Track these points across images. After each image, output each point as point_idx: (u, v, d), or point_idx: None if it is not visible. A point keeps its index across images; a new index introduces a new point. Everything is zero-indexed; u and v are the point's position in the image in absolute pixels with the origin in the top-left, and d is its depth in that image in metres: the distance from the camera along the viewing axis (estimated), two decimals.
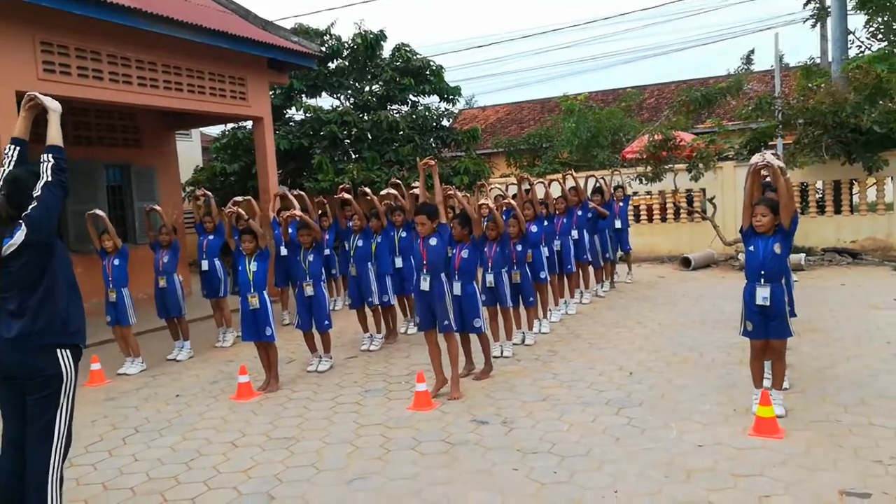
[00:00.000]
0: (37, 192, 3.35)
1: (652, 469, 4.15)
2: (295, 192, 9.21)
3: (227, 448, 4.92)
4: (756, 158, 4.80)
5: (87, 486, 4.38)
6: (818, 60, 18.65)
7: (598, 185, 10.64)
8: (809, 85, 13.99)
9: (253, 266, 6.26)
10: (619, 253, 11.29)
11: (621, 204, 11.06)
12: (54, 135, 3.46)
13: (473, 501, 3.86)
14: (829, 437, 4.49)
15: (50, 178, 3.38)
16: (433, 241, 5.72)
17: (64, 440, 3.39)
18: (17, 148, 3.49)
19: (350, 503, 3.93)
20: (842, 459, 4.14)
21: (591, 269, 10.05)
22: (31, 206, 3.31)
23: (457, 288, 5.97)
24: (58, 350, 3.35)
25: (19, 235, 3.26)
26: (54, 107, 3.50)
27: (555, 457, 4.42)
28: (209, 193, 8.76)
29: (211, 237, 8.43)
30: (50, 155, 3.42)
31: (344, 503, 3.93)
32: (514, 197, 8.25)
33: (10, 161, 3.46)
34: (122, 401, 6.31)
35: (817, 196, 14.41)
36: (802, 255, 12.39)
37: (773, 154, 4.84)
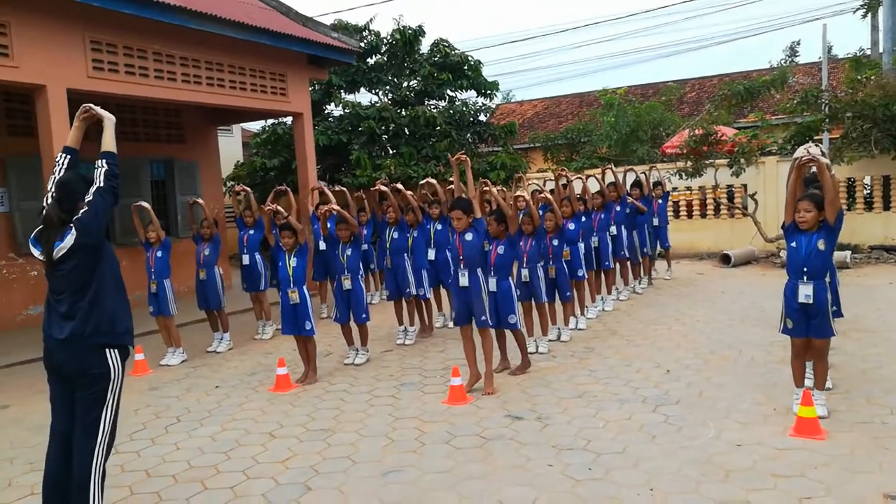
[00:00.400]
0: (89, 198, 3.45)
1: (689, 467, 4.11)
2: (336, 188, 9.31)
3: (266, 439, 5.01)
4: (800, 152, 4.69)
5: (132, 472, 4.51)
6: (868, 52, 18.10)
7: (636, 179, 10.51)
8: (859, 77, 13.56)
9: (293, 261, 6.35)
10: (659, 249, 11.15)
11: (660, 201, 10.91)
12: (109, 141, 3.58)
13: (508, 496, 3.86)
14: (873, 439, 4.38)
15: (102, 184, 3.49)
16: (469, 236, 5.73)
17: (108, 436, 3.49)
18: (68, 156, 3.62)
19: (385, 495, 3.97)
20: (887, 462, 4.04)
21: (629, 265, 9.94)
22: (82, 211, 3.42)
23: (492, 284, 5.97)
24: (106, 350, 3.46)
25: (70, 239, 3.36)
26: (109, 117, 3.63)
27: (590, 453, 4.41)
28: (248, 189, 8.91)
29: (251, 232, 8.58)
30: (104, 161, 3.54)
31: (379, 495, 3.98)
32: (551, 192, 8.21)
33: (61, 168, 3.58)
34: (164, 391, 6.48)
35: (865, 192, 13.99)
36: (848, 253, 12.05)
37: (817, 148, 4.73)
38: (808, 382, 5.04)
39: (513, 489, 3.95)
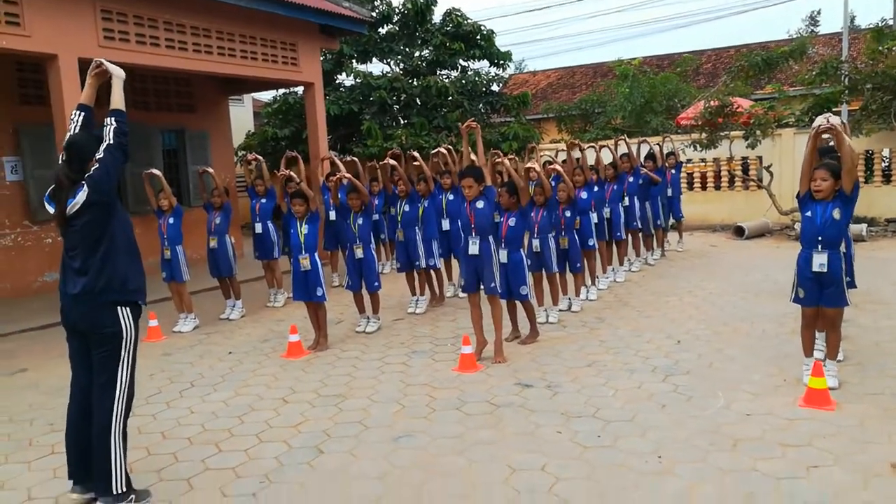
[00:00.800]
0: (99, 155, 3.50)
1: (697, 437, 4.13)
2: (348, 158, 9.30)
3: (278, 404, 5.08)
4: (819, 121, 4.62)
5: (148, 434, 4.60)
6: (890, 22, 17.70)
7: (650, 150, 10.42)
8: (880, 48, 13.27)
9: (304, 229, 6.37)
10: (671, 221, 11.09)
11: (673, 171, 10.81)
12: (117, 99, 3.61)
13: (517, 462, 3.91)
14: (884, 410, 4.38)
15: (112, 141, 3.53)
16: (480, 204, 5.72)
17: (126, 392, 3.57)
18: (82, 114, 3.65)
19: (396, 460, 4.03)
20: None
21: (641, 236, 9.90)
22: (93, 168, 3.47)
23: (503, 255, 5.97)
24: (118, 307, 3.52)
25: (81, 195, 3.42)
26: (118, 73, 3.65)
27: (599, 421, 4.44)
28: (260, 158, 8.91)
29: (263, 200, 8.59)
30: (113, 118, 3.57)
31: (390, 459, 4.04)
32: (563, 163, 8.15)
33: (75, 126, 3.62)
34: (177, 356, 6.56)
35: (883, 164, 13.79)
36: (864, 226, 11.92)
37: (837, 118, 4.65)
38: (819, 354, 5.04)
39: (522, 455, 4.00)
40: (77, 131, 3.59)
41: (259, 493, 3.68)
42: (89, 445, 3.51)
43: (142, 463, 4.11)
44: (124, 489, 3.49)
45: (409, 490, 3.65)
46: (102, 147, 3.51)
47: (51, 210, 3.53)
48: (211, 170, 8.28)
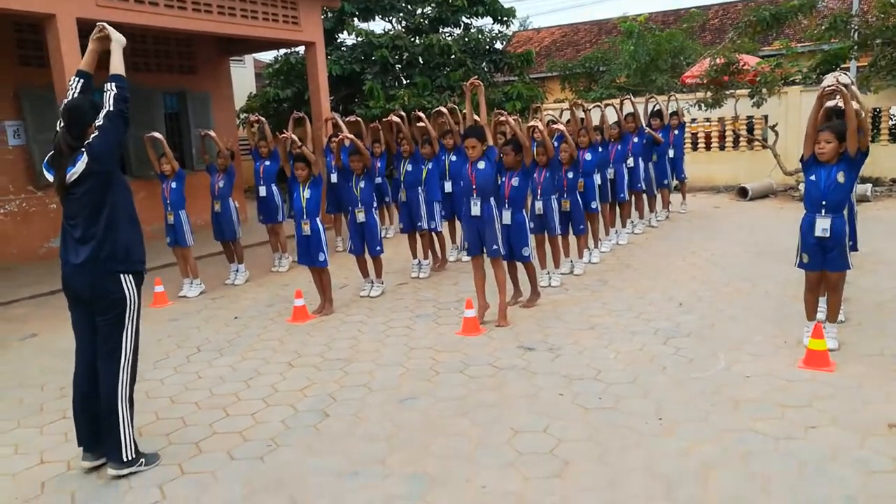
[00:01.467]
0: (99, 122, 3.46)
1: (698, 398, 4.19)
2: (352, 118, 9.20)
3: (284, 368, 5.15)
4: (828, 81, 4.56)
5: (156, 399, 4.68)
6: None
7: (657, 107, 10.28)
8: (892, 1, 12.99)
9: (306, 193, 6.36)
10: (674, 182, 11.02)
11: (676, 132, 10.70)
12: (117, 64, 3.56)
13: (519, 424, 3.97)
14: (882, 370, 4.43)
15: (112, 108, 3.49)
16: (482, 165, 5.69)
17: (131, 360, 3.60)
18: (81, 80, 3.60)
19: (401, 421, 4.10)
20: (894, 393, 4.09)
21: (644, 197, 9.85)
22: (92, 136, 3.44)
23: (506, 217, 5.96)
24: (122, 276, 3.54)
25: (81, 164, 3.40)
26: (119, 39, 3.59)
27: (600, 383, 4.50)
28: (263, 119, 8.83)
29: (267, 163, 8.54)
30: (113, 84, 3.52)
31: (395, 421, 4.11)
32: (567, 123, 8.07)
33: (74, 92, 3.58)
34: (184, 321, 6.63)
35: (891, 122, 13.62)
36: (869, 186, 11.86)
37: (847, 77, 4.59)
38: (821, 315, 5.06)
39: (524, 417, 4.06)
40: (75, 96, 3.55)
41: (266, 456, 3.76)
42: (97, 414, 3.56)
43: (151, 427, 4.20)
44: (133, 455, 3.57)
45: (414, 451, 3.72)
46: (102, 114, 3.48)
47: (50, 178, 3.51)
48: (212, 133, 8.21)
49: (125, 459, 3.53)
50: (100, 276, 3.49)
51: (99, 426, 3.57)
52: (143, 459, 3.63)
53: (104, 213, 3.47)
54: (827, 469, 3.31)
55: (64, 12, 7.74)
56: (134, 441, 3.60)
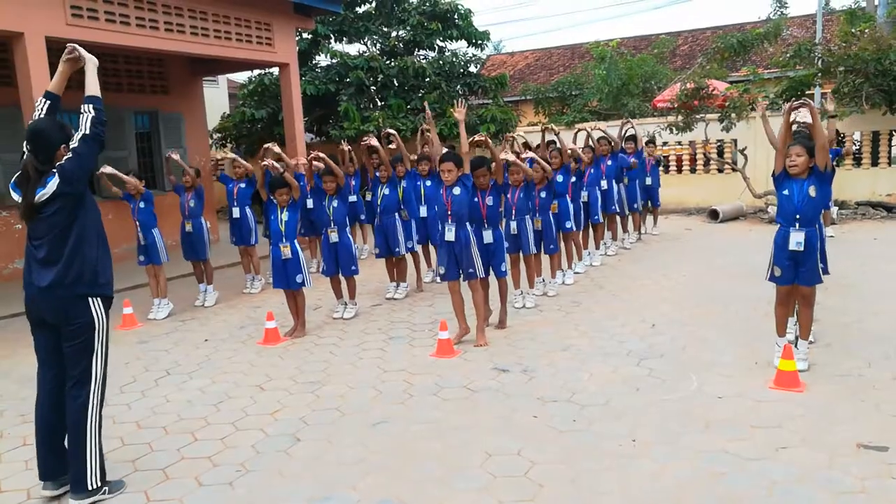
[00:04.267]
0: (74, 144, 3.39)
1: (670, 419, 4.20)
2: (345, 147, 9.21)
3: (255, 391, 5.07)
4: (792, 103, 4.69)
5: (122, 424, 4.56)
6: (864, 4, 17.85)
7: (631, 132, 10.30)
8: (853, 30, 13.42)
9: (285, 216, 6.33)
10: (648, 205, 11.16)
11: (654, 162, 10.87)
12: (92, 85, 3.49)
13: (493, 447, 3.94)
14: (850, 391, 4.49)
15: (88, 132, 3.42)
16: (457, 191, 5.71)
17: (101, 385, 3.50)
18: (48, 102, 3.52)
19: (373, 445, 4.05)
20: (862, 413, 4.14)
21: (617, 219, 9.95)
22: (66, 158, 3.36)
23: (487, 236, 5.96)
24: (89, 299, 3.45)
25: (52, 185, 3.32)
26: (91, 59, 3.53)
27: (574, 405, 4.49)
28: (232, 155, 8.90)
29: (242, 185, 8.49)
30: (90, 106, 3.45)
31: (367, 445, 4.05)
32: (537, 147, 8.16)
33: (40, 113, 3.50)
34: (153, 344, 6.51)
35: (854, 148, 13.99)
36: (835, 209, 12.12)
37: (810, 101, 4.72)
38: (790, 336, 5.13)
39: (498, 439, 4.03)
40: (41, 117, 3.48)
41: (235, 482, 3.68)
42: (62, 442, 3.44)
43: (117, 453, 4.08)
44: (98, 484, 3.46)
45: (386, 476, 3.67)
46: (78, 136, 3.40)
47: (16, 198, 3.42)
48: (176, 155, 8.06)
49: (90, 488, 3.42)
50: (67, 300, 3.39)
51: (63, 454, 3.46)
52: (106, 488, 3.52)
53: (73, 233, 3.39)
54: (796, 489, 3.33)
55: (32, 31, 7.65)
56: (101, 469, 3.48)
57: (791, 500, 3.24)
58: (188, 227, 7.88)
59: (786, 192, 4.78)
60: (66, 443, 3.48)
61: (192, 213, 7.85)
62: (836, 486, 3.33)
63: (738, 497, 3.28)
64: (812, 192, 4.68)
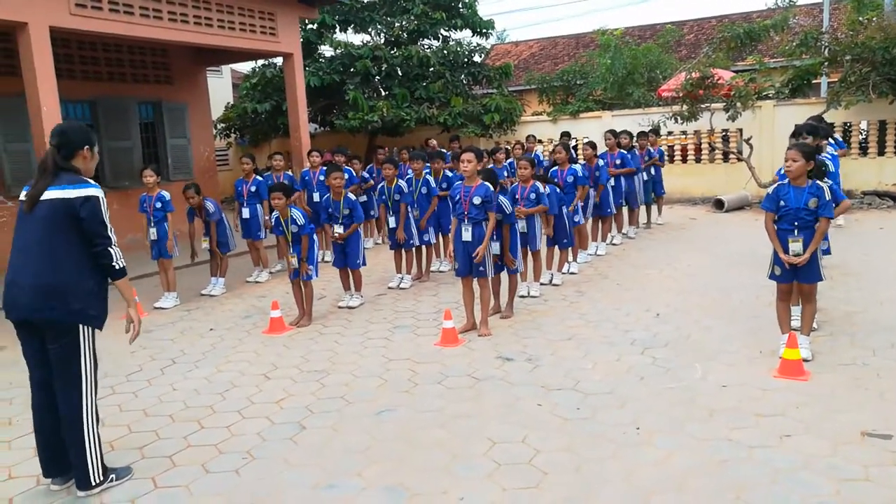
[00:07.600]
0: (85, 213, 3.29)
1: (674, 408, 4.21)
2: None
3: (260, 380, 5.10)
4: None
5: (129, 412, 4.59)
6: None
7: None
8: (860, 19, 13.29)
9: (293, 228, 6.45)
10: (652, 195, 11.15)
11: (658, 160, 10.87)
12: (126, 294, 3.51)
13: (497, 434, 3.96)
14: (854, 379, 4.49)
15: (98, 247, 3.35)
16: (477, 200, 5.77)
17: (92, 382, 3.43)
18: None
19: (378, 433, 4.07)
20: (866, 401, 4.15)
21: (623, 210, 9.94)
22: (87, 209, 3.29)
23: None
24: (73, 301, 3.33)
25: (69, 192, 3.25)
26: (137, 318, 3.53)
27: (578, 394, 4.50)
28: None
29: (253, 188, 8.59)
30: (105, 246, 3.37)
31: (372, 433, 4.08)
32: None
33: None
34: (159, 333, 6.54)
35: (861, 137, 13.91)
36: (850, 202, 12.03)
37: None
38: (795, 323, 5.12)
39: (502, 428, 4.05)
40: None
41: (241, 469, 3.71)
42: (60, 441, 3.42)
43: (123, 441, 4.12)
44: (101, 478, 3.47)
45: (391, 463, 3.69)
46: (95, 231, 3.32)
47: (23, 194, 3.39)
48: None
49: (93, 483, 3.43)
50: (52, 298, 3.26)
51: (63, 453, 3.44)
52: (113, 475, 3.54)
53: (62, 240, 3.28)
54: (800, 476, 3.34)
55: (37, 21, 7.65)
56: (102, 463, 3.48)
57: (795, 487, 3.25)
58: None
59: (783, 202, 4.77)
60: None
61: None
62: (839, 474, 3.34)
63: (742, 485, 3.29)
64: (812, 204, 4.66)
